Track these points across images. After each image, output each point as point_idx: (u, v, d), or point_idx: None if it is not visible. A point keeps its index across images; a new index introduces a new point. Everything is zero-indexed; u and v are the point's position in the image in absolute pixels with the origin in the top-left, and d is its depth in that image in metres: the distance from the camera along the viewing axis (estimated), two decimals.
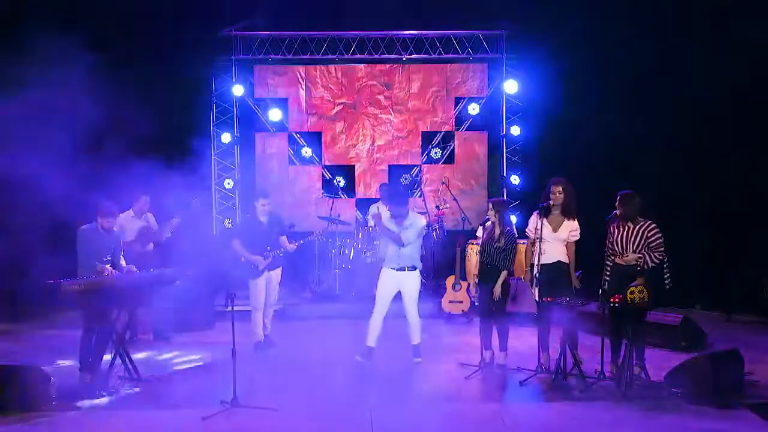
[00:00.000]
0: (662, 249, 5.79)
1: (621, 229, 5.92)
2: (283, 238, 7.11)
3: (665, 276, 5.84)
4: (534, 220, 6.21)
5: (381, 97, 11.00)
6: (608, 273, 5.97)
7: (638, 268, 5.77)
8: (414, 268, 6.53)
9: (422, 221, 6.64)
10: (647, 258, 5.76)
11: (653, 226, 5.84)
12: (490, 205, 6.44)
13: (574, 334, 6.15)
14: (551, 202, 6.16)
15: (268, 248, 6.94)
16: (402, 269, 6.49)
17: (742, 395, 5.52)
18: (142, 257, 7.15)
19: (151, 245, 7.59)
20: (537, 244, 6.12)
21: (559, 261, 6.17)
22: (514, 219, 9.99)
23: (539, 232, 6.09)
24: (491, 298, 6.29)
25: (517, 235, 6.56)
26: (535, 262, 6.10)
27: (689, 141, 8.75)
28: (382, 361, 6.62)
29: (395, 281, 6.51)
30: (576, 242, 6.21)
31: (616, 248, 5.91)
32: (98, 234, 5.97)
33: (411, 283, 6.53)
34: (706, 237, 8.61)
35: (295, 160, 11.04)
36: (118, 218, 6.27)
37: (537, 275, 6.12)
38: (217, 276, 8.01)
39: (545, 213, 6.14)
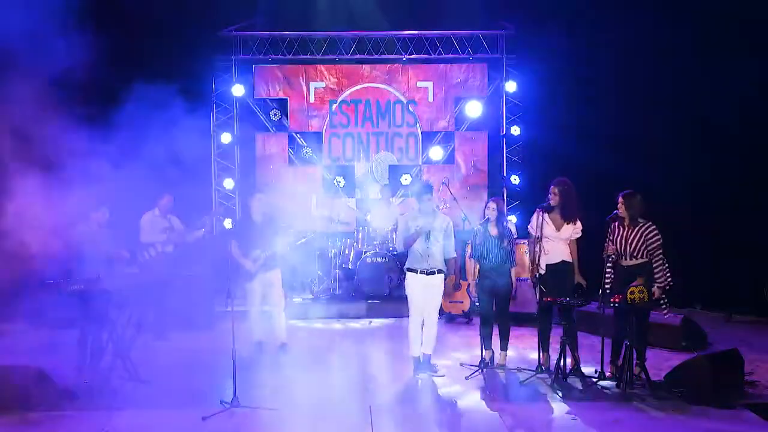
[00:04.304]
0: (660, 251, 5.79)
1: (621, 230, 5.92)
2: (279, 238, 7.03)
3: (667, 277, 5.81)
4: (536, 217, 6.20)
5: (381, 98, 11.01)
6: (610, 274, 5.95)
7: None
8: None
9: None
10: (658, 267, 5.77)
11: (653, 227, 5.84)
12: (494, 205, 6.41)
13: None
14: (551, 202, 6.17)
15: (260, 250, 6.83)
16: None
17: (742, 395, 5.52)
18: (162, 257, 7.19)
19: (172, 246, 7.61)
20: (539, 244, 6.11)
21: (563, 261, 6.16)
22: (513, 219, 10.03)
23: (541, 230, 6.09)
24: (492, 297, 6.30)
25: (517, 234, 6.57)
26: (539, 262, 6.09)
27: (689, 141, 8.75)
28: (381, 362, 6.63)
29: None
30: (578, 240, 6.22)
31: (618, 249, 5.90)
32: (93, 232, 5.98)
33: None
34: (706, 237, 8.61)
35: (295, 160, 11.04)
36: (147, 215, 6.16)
37: (538, 275, 6.12)
38: (217, 277, 8.01)
39: (547, 210, 6.14)
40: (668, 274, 5.81)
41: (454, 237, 6.32)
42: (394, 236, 9.36)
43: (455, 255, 6.30)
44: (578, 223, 6.17)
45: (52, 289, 5.56)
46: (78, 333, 5.92)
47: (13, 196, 6.98)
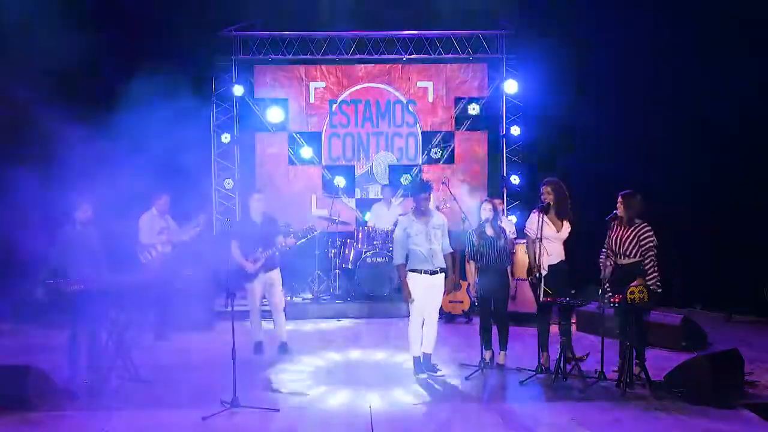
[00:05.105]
0: (652, 253, 5.77)
1: (618, 229, 5.91)
2: (280, 238, 7.00)
3: (656, 279, 5.77)
4: (534, 218, 6.20)
5: (381, 98, 11.01)
6: (608, 273, 5.95)
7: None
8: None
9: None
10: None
11: (647, 228, 5.83)
12: (489, 205, 6.41)
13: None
14: (548, 201, 6.16)
15: (260, 249, 6.82)
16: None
17: (742, 395, 5.51)
18: (162, 258, 7.18)
19: (169, 247, 7.62)
20: (538, 244, 6.10)
21: (561, 261, 6.17)
22: (513, 219, 10.03)
23: (541, 231, 6.08)
24: (491, 297, 6.30)
25: (517, 234, 6.56)
26: (540, 263, 6.08)
27: (689, 141, 8.75)
28: (381, 361, 6.62)
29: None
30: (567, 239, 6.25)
31: (614, 248, 5.90)
32: (78, 231, 5.97)
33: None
34: (706, 237, 8.61)
35: (295, 160, 11.03)
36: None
37: (538, 276, 6.11)
38: (217, 277, 8.01)
39: (545, 211, 6.13)
40: (657, 278, 5.78)
41: (454, 237, 6.32)
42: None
43: (452, 249, 6.29)
44: (569, 224, 6.20)
45: (52, 289, 5.56)
46: (69, 333, 5.90)
47: (11, 196, 7.00)
